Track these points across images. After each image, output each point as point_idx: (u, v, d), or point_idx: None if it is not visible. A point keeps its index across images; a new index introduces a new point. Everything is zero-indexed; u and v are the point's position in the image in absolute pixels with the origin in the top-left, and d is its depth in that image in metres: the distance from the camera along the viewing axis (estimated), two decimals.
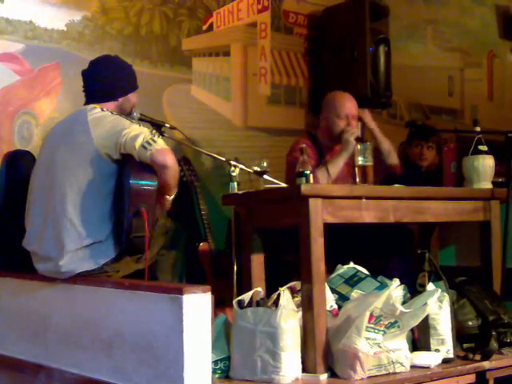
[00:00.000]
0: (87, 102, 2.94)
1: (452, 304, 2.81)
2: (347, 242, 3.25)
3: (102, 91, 2.92)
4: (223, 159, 3.11)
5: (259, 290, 2.69)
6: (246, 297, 2.62)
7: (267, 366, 2.46)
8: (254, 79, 4.66)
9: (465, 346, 2.89)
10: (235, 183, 3.03)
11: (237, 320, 2.55)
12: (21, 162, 3.29)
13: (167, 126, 3.16)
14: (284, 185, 3.15)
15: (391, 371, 2.56)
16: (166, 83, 4.25)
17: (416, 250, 3.01)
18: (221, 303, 3.07)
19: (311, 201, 2.59)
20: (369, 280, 2.89)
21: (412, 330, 2.73)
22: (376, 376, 2.53)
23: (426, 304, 2.59)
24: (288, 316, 2.48)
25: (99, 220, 2.70)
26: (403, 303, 2.69)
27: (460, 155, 3.48)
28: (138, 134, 2.66)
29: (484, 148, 3.33)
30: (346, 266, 3.00)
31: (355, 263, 3.02)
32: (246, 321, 2.52)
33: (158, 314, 2.34)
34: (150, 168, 2.66)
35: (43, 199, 2.83)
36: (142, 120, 3.04)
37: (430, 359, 2.68)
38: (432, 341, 2.74)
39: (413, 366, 2.64)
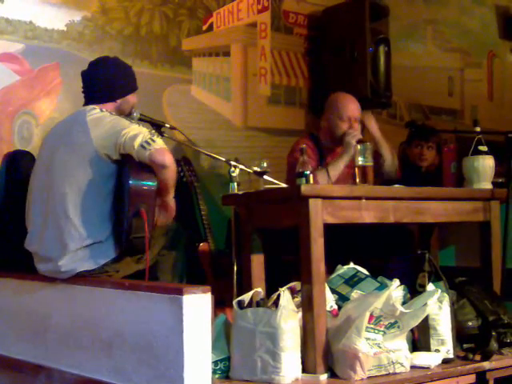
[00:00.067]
0: (86, 103, 2.94)
1: (452, 304, 2.81)
2: (347, 242, 3.24)
3: (100, 92, 2.92)
4: (223, 159, 3.11)
5: (259, 290, 2.69)
6: (246, 297, 2.62)
7: (267, 366, 2.46)
8: (253, 79, 4.66)
9: (465, 346, 2.89)
10: (235, 183, 3.03)
11: (237, 320, 2.55)
12: (21, 163, 3.29)
13: (167, 126, 3.16)
14: (284, 185, 3.16)
15: (391, 371, 2.56)
16: (165, 83, 4.26)
17: (416, 251, 3.01)
18: (221, 303, 3.07)
19: (311, 201, 2.59)
20: (369, 280, 2.89)
21: (412, 331, 2.73)
22: (376, 376, 2.53)
23: (425, 304, 2.59)
24: (288, 316, 2.48)
25: (99, 220, 2.70)
26: (403, 303, 2.69)
27: (460, 155, 3.48)
28: (136, 133, 2.66)
29: (484, 148, 3.33)
30: (345, 267, 3.00)
31: (355, 263, 3.02)
32: (246, 321, 2.52)
33: (158, 315, 2.34)
34: (149, 168, 2.66)
35: (43, 200, 2.83)
36: (142, 120, 3.04)
37: (429, 359, 2.68)
38: (432, 341, 2.74)
39: (413, 367, 2.64)
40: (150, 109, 3.57)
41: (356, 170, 3.05)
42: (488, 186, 3.30)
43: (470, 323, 2.92)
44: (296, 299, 2.66)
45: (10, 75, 3.64)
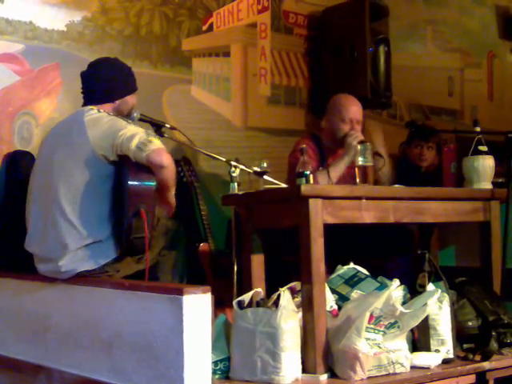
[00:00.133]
0: (85, 104, 2.94)
1: (452, 304, 2.81)
2: (347, 242, 3.24)
3: (99, 93, 2.92)
4: (223, 160, 3.10)
5: (259, 290, 2.69)
6: (246, 297, 2.62)
7: (267, 366, 2.46)
8: (253, 79, 4.66)
9: (465, 346, 2.89)
10: (235, 184, 3.03)
11: (237, 320, 2.55)
12: (21, 163, 3.29)
13: (167, 126, 3.16)
14: (284, 185, 3.15)
15: (391, 372, 2.56)
16: (165, 83, 4.26)
17: (416, 251, 3.01)
18: (221, 303, 3.07)
19: (311, 201, 2.59)
20: (369, 280, 2.89)
21: (412, 331, 2.73)
22: (376, 376, 2.53)
23: (425, 304, 2.59)
24: (288, 316, 2.48)
25: (98, 220, 2.70)
26: (403, 304, 2.69)
27: (460, 155, 3.48)
28: (133, 134, 2.66)
29: (484, 148, 3.33)
30: (345, 267, 3.00)
31: (355, 264, 3.02)
32: (246, 321, 2.52)
33: (157, 315, 2.34)
34: (148, 168, 2.66)
35: (42, 200, 2.83)
36: (143, 120, 3.04)
37: (429, 360, 2.68)
38: (432, 341, 2.73)
39: (413, 367, 2.63)
40: (150, 109, 3.56)
41: (356, 170, 3.05)
42: (488, 186, 3.30)
43: (470, 323, 2.92)
44: (296, 299, 2.66)
45: (10, 75, 3.64)
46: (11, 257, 3.08)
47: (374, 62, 4.61)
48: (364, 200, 2.77)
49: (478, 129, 3.38)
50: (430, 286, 2.78)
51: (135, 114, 2.99)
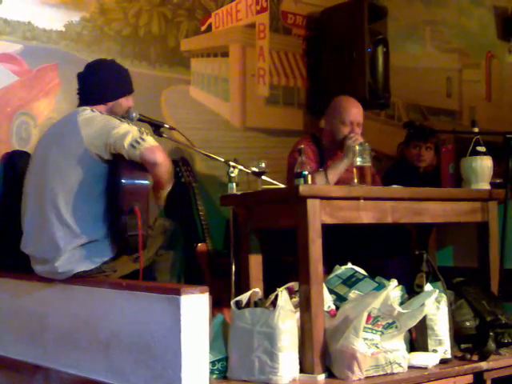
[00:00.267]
0: (80, 105, 2.95)
1: (450, 305, 2.81)
2: (345, 242, 3.24)
3: (92, 94, 2.93)
4: (222, 160, 3.10)
5: (257, 290, 2.69)
6: (244, 297, 2.62)
7: (265, 366, 2.46)
8: (252, 80, 4.66)
9: (462, 346, 2.89)
10: (234, 184, 3.03)
11: (234, 320, 2.55)
12: (19, 163, 3.30)
13: (166, 126, 3.16)
14: (282, 185, 3.15)
15: (389, 372, 2.56)
16: (164, 84, 4.25)
17: (414, 251, 3.01)
18: (219, 303, 3.07)
19: (309, 201, 2.59)
20: (367, 281, 2.90)
21: (410, 331, 2.74)
22: (373, 376, 2.53)
23: (423, 305, 2.59)
24: (286, 316, 2.49)
25: (93, 219, 2.70)
26: (401, 304, 2.69)
27: (458, 156, 3.48)
28: (126, 132, 2.66)
29: (482, 149, 3.33)
30: (343, 267, 3.00)
31: (353, 264, 3.02)
32: (244, 321, 2.52)
33: (155, 315, 2.34)
34: (142, 167, 2.66)
35: (37, 201, 2.83)
36: (142, 121, 3.04)
37: (427, 360, 2.68)
38: (430, 341, 2.74)
39: (410, 367, 2.64)
40: (149, 109, 3.56)
41: (354, 170, 3.04)
42: (486, 186, 3.31)
43: (467, 323, 2.92)
44: (294, 299, 2.66)
45: (9, 76, 3.64)
46: (10, 258, 3.08)
47: (372, 62, 4.61)
48: (362, 200, 2.77)
49: (476, 129, 3.38)
50: (428, 287, 2.78)
51: (134, 115, 2.99)
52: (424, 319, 2.68)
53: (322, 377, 2.54)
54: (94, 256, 2.70)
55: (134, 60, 4.06)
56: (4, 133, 3.60)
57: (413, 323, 2.61)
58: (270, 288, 2.71)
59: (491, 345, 2.81)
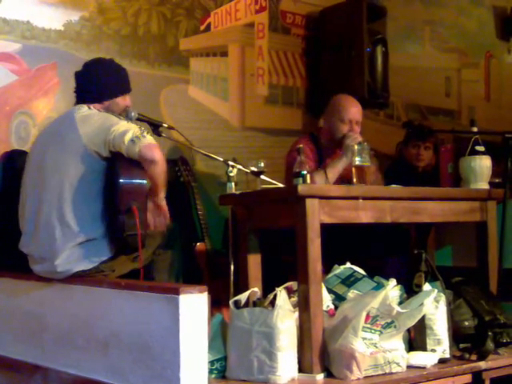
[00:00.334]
0: (77, 103, 2.95)
1: (448, 304, 2.81)
2: (344, 242, 3.24)
3: (89, 93, 2.93)
4: (221, 159, 3.10)
5: (256, 290, 2.69)
6: (243, 297, 2.62)
7: (263, 366, 2.46)
8: (251, 79, 4.66)
9: (461, 346, 2.89)
10: (233, 183, 3.03)
11: (233, 320, 2.55)
12: (18, 162, 3.29)
13: (165, 126, 3.16)
14: (281, 185, 3.15)
15: (387, 371, 2.56)
16: (163, 83, 4.25)
17: (413, 251, 3.01)
18: (217, 303, 3.07)
19: (308, 201, 2.59)
20: (365, 280, 2.90)
21: (408, 330, 2.74)
22: (372, 376, 2.53)
23: (422, 304, 2.59)
24: (284, 316, 2.49)
25: (91, 218, 2.70)
26: (400, 303, 2.69)
27: (457, 156, 3.48)
28: (126, 129, 2.66)
29: (481, 148, 3.33)
30: (342, 267, 3.01)
31: (352, 263, 3.02)
32: (243, 321, 2.52)
33: (154, 314, 2.34)
34: (139, 166, 2.66)
35: (35, 200, 2.82)
36: (140, 120, 3.04)
37: (426, 359, 2.69)
38: (428, 341, 2.74)
39: (409, 366, 2.64)
40: (148, 109, 3.56)
41: (353, 169, 3.04)
42: (485, 186, 3.31)
43: (466, 323, 2.92)
44: (292, 299, 2.67)
45: (8, 75, 3.64)
46: (8, 257, 3.08)
47: (371, 62, 4.61)
48: (361, 200, 2.77)
49: (475, 129, 3.38)
50: (427, 286, 2.78)
51: (133, 114, 2.99)
52: (423, 319, 2.68)
53: (320, 376, 2.54)
54: (92, 256, 2.69)
55: (133, 59, 4.06)
56: (3, 132, 3.60)
57: (411, 323, 2.61)
58: (268, 287, 2.70)
59: (490, 344, 2.81)
